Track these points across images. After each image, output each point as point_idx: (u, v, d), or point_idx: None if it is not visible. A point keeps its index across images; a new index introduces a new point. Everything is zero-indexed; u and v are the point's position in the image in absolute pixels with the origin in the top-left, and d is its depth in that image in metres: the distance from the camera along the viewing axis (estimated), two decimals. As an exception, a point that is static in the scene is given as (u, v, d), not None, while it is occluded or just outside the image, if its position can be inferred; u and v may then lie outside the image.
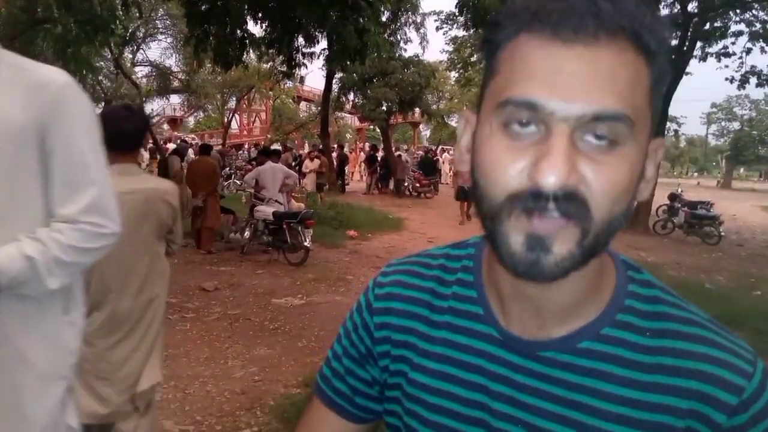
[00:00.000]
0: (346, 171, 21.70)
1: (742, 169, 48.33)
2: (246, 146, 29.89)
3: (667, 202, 15.19)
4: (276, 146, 17.75)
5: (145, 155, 23.22)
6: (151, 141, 25.54)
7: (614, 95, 0.53)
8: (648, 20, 0.54)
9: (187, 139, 25.88)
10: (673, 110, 15.46)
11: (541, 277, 0.56)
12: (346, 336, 0.81)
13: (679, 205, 14.67)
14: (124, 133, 2.48)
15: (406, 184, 20.39)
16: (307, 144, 33.26)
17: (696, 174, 61.96)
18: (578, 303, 0.64)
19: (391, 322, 0.75)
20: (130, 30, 21.78)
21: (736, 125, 52.88)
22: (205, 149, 10.22)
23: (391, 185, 20.48)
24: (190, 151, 16.23)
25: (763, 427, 0.59)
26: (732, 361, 0.60)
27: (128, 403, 2.59)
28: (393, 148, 21.66)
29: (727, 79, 15.47)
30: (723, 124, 56.93)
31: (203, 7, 9.10)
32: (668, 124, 16.79)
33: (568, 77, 0.53)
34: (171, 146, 19.36)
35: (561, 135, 0.53)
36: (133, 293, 2.60)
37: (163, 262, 2.91)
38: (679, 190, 16.12)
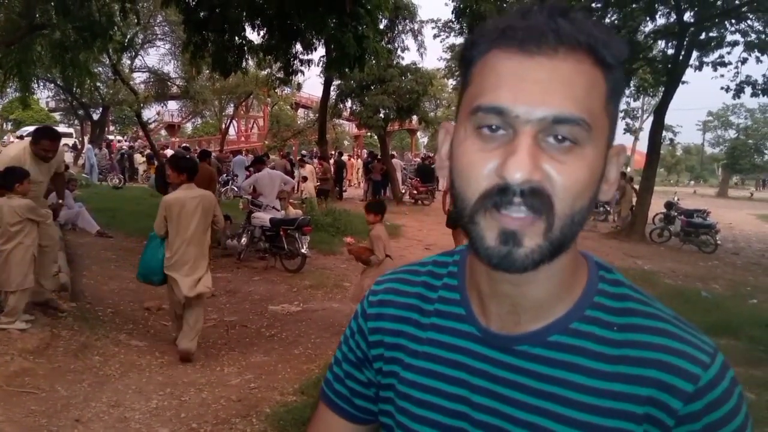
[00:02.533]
0: (344, 178, 21.71)
1: (734, 178, 48.32)
2: (243, 152, 29.87)
3: (664, 210, 15.22)
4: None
5: (141, 159, 23.21)
6: (148, 148, 25.59)
7: (572, 100, 0.59)
8: (604, 37, 0.62)
9: (187, 145, 25.81)
10: (669, 119, 15.51)
11: (514, 268, 0.61)
12: (345, 342, 0.87)
13: (676, 214, 14.71)
14: (192, 168, 5.19)
15: (403, 191, 20.42)
16: (297, 151, 33.27)
17: (692, 182, 62.12)
18: (550, 299, 0.69)
19: (384, 327, 0.81)
20: (128, 36, 21.77)
21: (732, 134, 53.10)
22: (204, 155, 10.16)
23: (389, 192, 20.49)
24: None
25: (717, 415, 0.63)
26: (689, 352, 0.64)
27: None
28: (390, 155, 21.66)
29: (722, 88, 15.53)
30: (719, 132, 57.16)
31: (201, 14, 9.12)
32: (664, 132, 16.82)
33: (531, 85, 0.60)
34: (168, 152, 19.33)
35: (526, 136, 0.59)
36: (190, 248, 4.93)
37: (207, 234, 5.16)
38: (676, 199, 16.17)
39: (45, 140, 5.29)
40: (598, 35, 0.61)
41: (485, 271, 0.69)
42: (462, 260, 0.79)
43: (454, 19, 15.52)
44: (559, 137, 0.60)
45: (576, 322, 0.68)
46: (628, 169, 26.57)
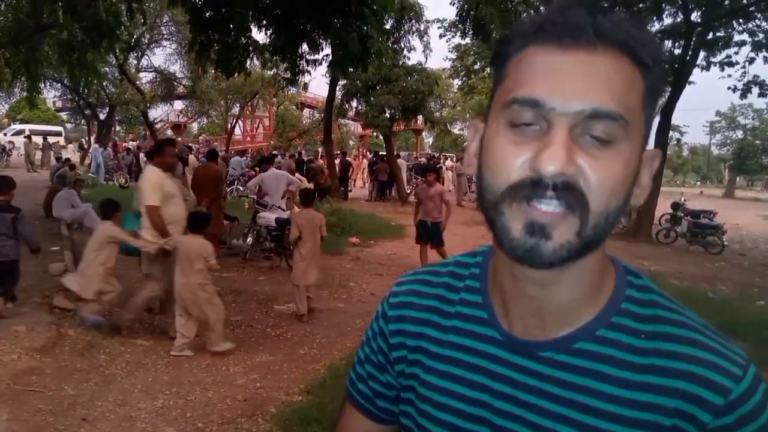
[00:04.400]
0: (349, 177, 21.71)
1: (738, 179, 47.99)
2: (249, 152, 29.95)
3: (670, 211, 15.15)
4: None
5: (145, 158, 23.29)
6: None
7: (609, 95, 0.58)
8: (643, 37, 0.61)
9: (192, 145, 25.89)
10: (676, 119, 15.43)
11: (539, 262, 0.60)
12: (367, 343, 0.87)
13: (682, 215, 14.63)
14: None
15: (408, 191, 20.39)
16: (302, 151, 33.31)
17: (699, 183, 61.85)
18: (576, 304, 0.67)
19: (405, 329, 0.81)
20: (135, 36, 21.84)
21: (739, 134, 52.82)
22: (211, 155, 10.16)
23: (394, 192, 20.48)
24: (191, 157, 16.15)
25: (749, 430, 0.61)
26: (721, 364, 0.62)
27: None
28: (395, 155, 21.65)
29: (729, 88, 15.46)
30: (726, 133, 56.90)
31: (207, 14, 9.13)
32: (671, 133, 16.75)
33: (567, 78, 0.59)
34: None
35: (561, 129, 0.58)
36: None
37: None
38: (682, 199, 16.08)
39: (169, 147, 5.64)
40: (637, 35, 0.61)
41: (509, 271, 0.68)
42: (485, 262, 0.78)
43: (458, 19, 15.48)
44: (596, 133, 0.58)
45: (603, 329, 0.67)
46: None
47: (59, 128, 35.33)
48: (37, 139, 26.58)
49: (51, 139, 27.45)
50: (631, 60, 0.60)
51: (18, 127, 32.93)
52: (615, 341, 0.66)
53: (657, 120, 15.82)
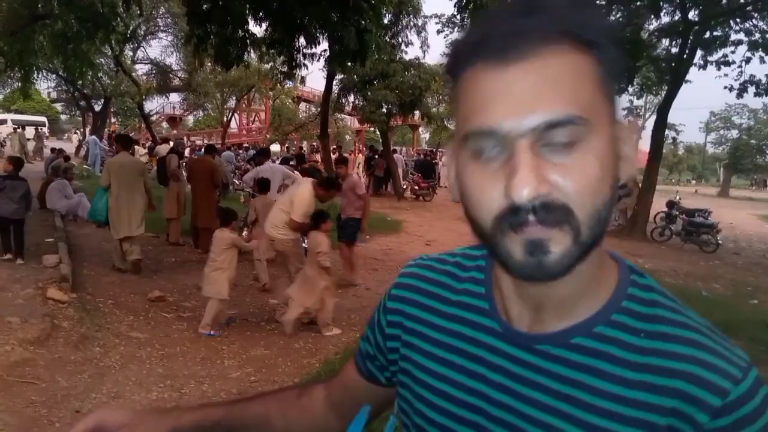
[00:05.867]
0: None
1: (733, 178, 48.18)
2: (245, 146, 29.87)
3: (665, 209, 15.21)
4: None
5: (142, 151, 23.22)
6: (150, 139, 25.54)
7: (560, 100, 0.57)
8: (580, 16, 0.59)
9: (182, 140, 25.82)
10: (671, 118, 15.47)
11: (547, 277, 0.60)
12: (370, 327, 0.89)
13: (677, 213, 14.69)
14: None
15: (404, 186, 20.39)
16: (298, 145, 33.24)
17: (694, 182, 62.03)
18: (575, 299, 0.67)
19: (405, 310, 0.82)
20: (130, 27, 21.73)
21: (734, 134, 52.97)
22: (208, 149, 10.24)
23: (390, 188, 20.47)
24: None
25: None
26: (720, 365, 0.62)
27: None
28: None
29: (726, 87, 15.49)
30: (721, 132, 57.00)
31: (204, 6, 9.07)
32: (667, 131, 16.77)
33: (514, 96, 0.57)
34: (165, 147, 19.25)
35: (523, 150, 0.57)
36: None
37: None
38: (677, 198, 16.14)
39: (338, 184, 6.45)
40: (576, 17, 0.58)
41: (511, 279, 0.68)
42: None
43: (456, 13, 15.43)
44: (557, 141, 0.57)
45: (601, 326, 0.67)
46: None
47: (43, 118, 35.10)
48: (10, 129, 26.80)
49: (30, 130, 27.46)
50: (575, 45, 0.58)
51: (12, 116, 32.81)
52: (613, 339, 0.66)
53: (653, 118, 15.88)
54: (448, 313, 0.78)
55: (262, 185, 7.75)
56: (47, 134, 31.08)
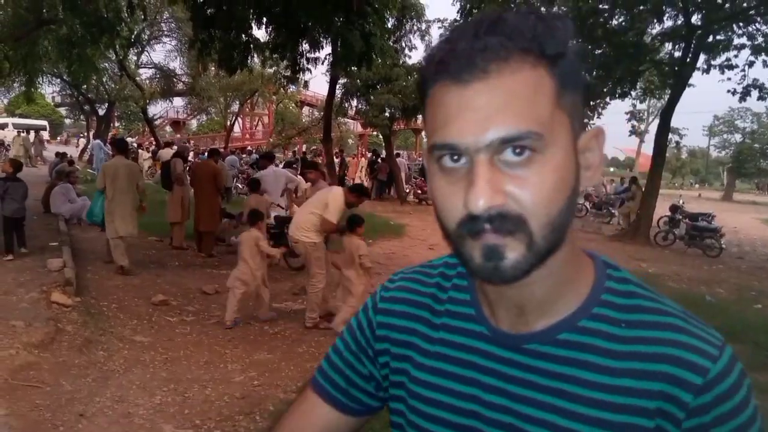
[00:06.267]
0: (347, 177, 21.70)
1: (737, 181, 48.07)
2: (248, 149, 29.94)
3: (669, 213, 15.17)
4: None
5: (145, 155, 23.28)
6: (153, 143, 25.61)
7: (514, 117, 0.60)
8: (539, 30, 0.61)
9: (185, 144, 25.91)
10: (675, 122, 15.44)
11: (503, 280, 0.63)
12: (349, 332, 0.88)
13: (681, 217, 14.65)
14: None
15: (407, 190, 20.39)
16: (301, 149, 33.25)
17: (697, 185, 61.92)
18: (555, 298, 0.70)
19: (393, 323, 0.83)
20: (135, 32, 21.81)
21: (738, 137, 52.89)
22: (211, 153, 10.26)
23: (393, 191, 20.47)
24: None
25: (726, 407, 0.64)
26: (698, 345, 0.65)
27: None
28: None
29: (729, 91, 15.46)
30: (725, 136, 56.95)
31: (209, 11, 9.12)
32: (670, 135, 16.73)
33: (472, 113, 0.60)
34: (168, 151, 19.31)
35: (480, 164, 0.61)
36: None
37: None
38: (681, 202, 16.11)
39: (363, 197, 6.55)
40: (536, 31, 0.61)
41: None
42: None
43: (459, 19, 15.46)
44: (516, 150, 0.60)
45: (584, 320, 0.69)
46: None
47: (44, 122, 35.15)
48: (14, 133, 26.90)
49: (32, 134, 27.53)
50: (534, 59, 0.61)
51: (1, 120, 32.87)
52: (597, 331, 0.69)
53: (656, 122, 15.86)
54: (438, 323, 0.79)
55: (253, 184, 8.06)
56: (48, 138, 31.13)
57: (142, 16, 11.94)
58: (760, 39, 14.07)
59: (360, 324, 0.87)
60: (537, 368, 0.69)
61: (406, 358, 0.80)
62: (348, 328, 0.89)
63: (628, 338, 0.67)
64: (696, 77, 20.94)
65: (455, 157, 0.63)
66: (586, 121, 0.69)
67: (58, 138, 42.90)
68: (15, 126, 30.84)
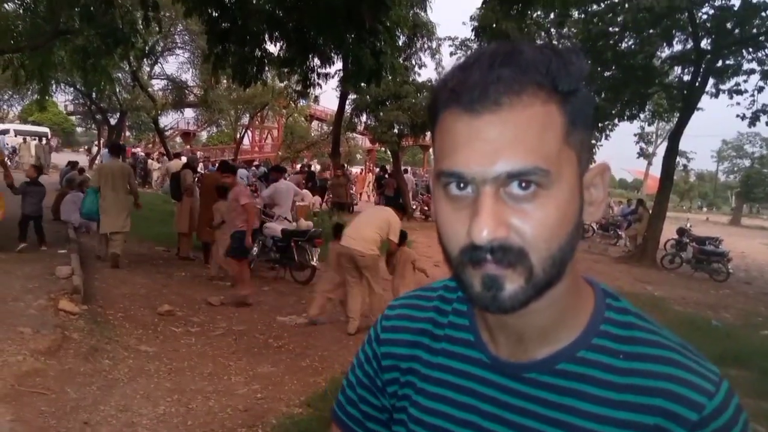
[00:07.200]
0: (354, 191, 21.79)
1: (744, 207, 47.85)
2: (256, 162, 30.09)
3: (676, 236, 15.12)
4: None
5: (156, 165, 23.43)
6: (164, 154, 25.80)
7: (523, 152, 0.60)
8: (553, 65, 0.62)
9: (192, 155, 26.09)
10: (683, 145, 15.43)
11: (501, 310, 0.64)
12: (359, 366, 0.89)
13: (688, 241, 14.60)
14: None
15: (414, 206, 20.42)
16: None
17: (705, 209, 61.64)
18: (554, 327, 0.70)
19: (397, 352, 0.83)
20: (149, 44, 22.08)
21: (746, 162, 52.74)
22: (223, 166, 10.34)
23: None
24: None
25: None
26: (694, 381, 0.66)
27: None
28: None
29: (738, 116, 15.45)
30: (734, 161, 56.81)
31: (223, 26, 9.25)
32: (678, 158, 16.73)
33: (482, 144, 0.61)
34: (177, 162, 19.50)
35: (486, 196, 0.61)
36: None
37: None
38: (688, 225, 16.05)
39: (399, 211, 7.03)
40: (550, 67, 0.61)
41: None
42: None
43: (474, 38, 15.57)
44: (518, 189, 0.61)
45: (583, 351, 0.70)
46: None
47: (45, 129, 35.40)
48: (20, 139, 27.17)
49: (33, 141, 27.76)
50: (546, 95, 0.61)
51: (1, 127, 33.05)
52: (595, 362, 0.69)
53: (664, 144, 15.87)
54: (437, 348, 0.80)
55: (221, 191, 8.12)
56: (52, 146, 31.25)
57: (157, 28, 12.09)
58: (770, 65, 14.10)
59: (367, 357, 0.88)
60: (536, 397, 0.70)
61: (409, 384, 0.81)
62: (356, 361, 0.90)
63: (626, 370, 0.68)
64: (705, 101, 20.99)
65: (461, 185, 0.63)
66: (593, 142, 0.70)
67: (80, 149, 43.03)
68: (17, 132, 30.98)
